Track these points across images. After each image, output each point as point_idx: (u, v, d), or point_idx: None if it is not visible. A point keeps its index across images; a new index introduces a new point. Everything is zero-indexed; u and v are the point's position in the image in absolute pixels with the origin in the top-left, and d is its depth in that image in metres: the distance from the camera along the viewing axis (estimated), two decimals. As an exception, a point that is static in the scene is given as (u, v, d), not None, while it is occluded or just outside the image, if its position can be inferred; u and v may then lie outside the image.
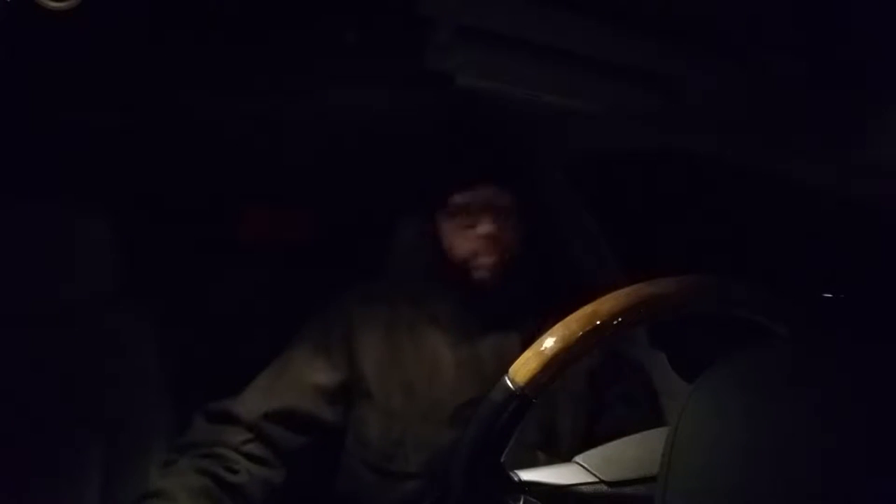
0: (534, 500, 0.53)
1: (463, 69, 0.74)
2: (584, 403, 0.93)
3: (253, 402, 0.91)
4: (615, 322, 0.55)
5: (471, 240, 0.95)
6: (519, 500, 0.55)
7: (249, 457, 0.85)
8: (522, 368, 0.55)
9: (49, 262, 1.03)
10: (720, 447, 0.39)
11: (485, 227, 0.93)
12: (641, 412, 0.94)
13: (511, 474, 0.57)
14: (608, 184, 1.22)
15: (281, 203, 1.60)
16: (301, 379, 0.93)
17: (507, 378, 0.56)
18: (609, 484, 0.58)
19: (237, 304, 1.58)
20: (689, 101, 0.77)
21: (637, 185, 1.25)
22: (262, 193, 1.57)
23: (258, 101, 1.02)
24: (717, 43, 0.65)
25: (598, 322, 0.55)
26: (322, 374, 0.93)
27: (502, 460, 0.56)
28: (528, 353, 0.56)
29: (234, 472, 0.82)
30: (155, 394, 1.02)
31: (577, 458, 0.61)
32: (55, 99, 0.98)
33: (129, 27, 0.76)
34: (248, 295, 1.60)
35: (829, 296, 0.97)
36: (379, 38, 0.79)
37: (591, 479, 0.58)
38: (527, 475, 0.57)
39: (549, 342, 0.55)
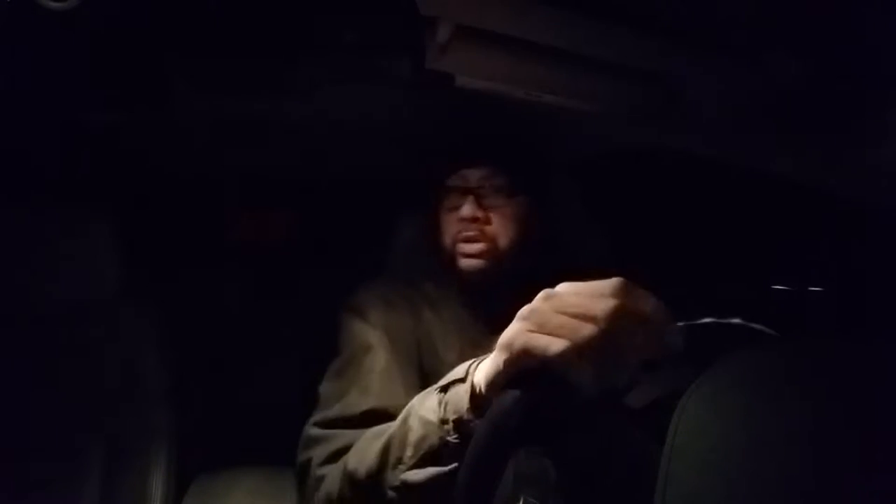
0: (533, 501, 0.53)
1: (463, 69, 0.74)
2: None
3: (395, 391, 0.79)
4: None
5: (454, 223, 0.92)
6: (518, 501, 0.55)
7: None
8: None
9: (50, 262, 1.03)
10: (720, 447, 0.39)
11: (466, 209, 0.90)
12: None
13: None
14: (607, 184, 1.22)
15: (280, 203, 1.61)
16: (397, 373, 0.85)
17: None
18: None
19: (238, 304, 1.58)
20: (689, 101, 0.76)
21: (636, 185, 1.25)
22: (262, 194, 1.57)
23: (257, 100, 1.02)
24: (717, 43, 0.65)
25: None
26: (406, 366, 0.87)
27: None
28: None
29: None
30: (155, 394, 1.02)
31: None
32: (55, 99, 0.98)
33: (129, 27, 0.77)
34: (249, 295, 1.60)
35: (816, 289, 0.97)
36: (379, 38, 0.79)
37: None
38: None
39: None
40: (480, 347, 0.90)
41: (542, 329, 0.45)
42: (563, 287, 0.47)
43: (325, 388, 0.86)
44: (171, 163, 1.38)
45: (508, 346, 0.47)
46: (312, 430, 0.79)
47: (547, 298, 0.47)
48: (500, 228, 0.92)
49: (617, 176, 1.22)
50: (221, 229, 1.59)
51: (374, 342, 0.87)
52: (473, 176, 0.93)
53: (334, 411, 0.79)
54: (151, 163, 1.36)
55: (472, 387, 0.53)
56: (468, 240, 0.91)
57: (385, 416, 0.73)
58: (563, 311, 0.45)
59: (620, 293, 0.44)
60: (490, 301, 0.94)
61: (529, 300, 0.49)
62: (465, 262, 0.92)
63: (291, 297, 1.60)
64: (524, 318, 0.47)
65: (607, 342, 0.43)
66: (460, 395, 0.54)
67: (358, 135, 1.22)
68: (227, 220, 1.59)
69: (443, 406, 0.56)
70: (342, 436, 0.74)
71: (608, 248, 1.21)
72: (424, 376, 0.88)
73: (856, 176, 0.69)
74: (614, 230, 1.21)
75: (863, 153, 0.65)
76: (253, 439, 1.30)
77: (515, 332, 0.47)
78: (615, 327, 0.43)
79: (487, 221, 0.92)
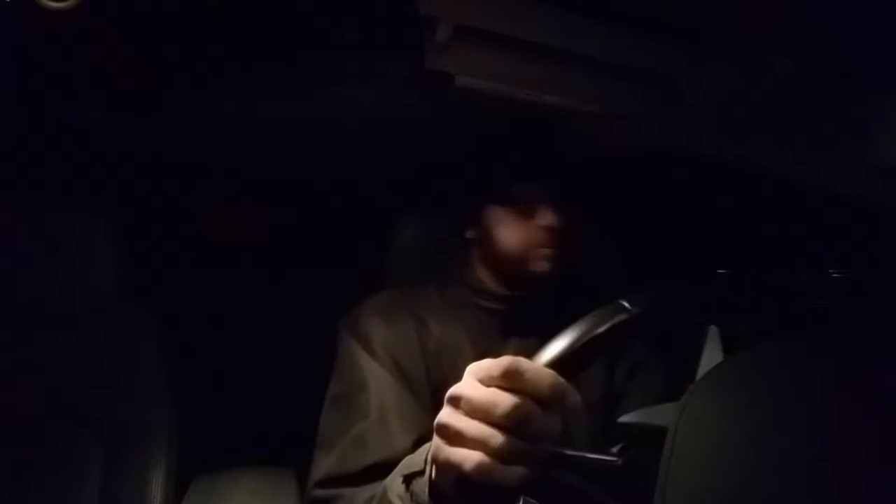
0: (532, 501, 0.53)
1: (463, 69, 0.74)
2: (599, 411, 0.91)
3: (389, 442, 0.79)
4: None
5: (529, 231, 0.91)
6: (518, 501, 0.55)
7: None
8: None
9: (49, 263, 1.03)
10: (722, 445, 0.39)
11: (551, 219, 0.90)
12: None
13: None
14: (608, 184, 1.22)
15: (279, 203, 1.61)
16: (407, 410, 0.84)
17: None
18: None
19: (238, 304, 1.58)
20: (689, 101, 0.77)
21: (637, 185, 1.25)
22: (261, 193, 1.57)
23: (257, 100, 1.02)
24: (717, 43, 0.65)
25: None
26: (409, 400, 0.85)
27: None
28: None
29: None
30: (155, 394, 1.02)
31: None
32: (55, 99, 0.98)
33: (128, 27, 0.77)
34: (249, 295, 1.60)
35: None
36: (379, 38, 0.79)
37: None
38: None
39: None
40: (495, 355, 0.89)
41: (455, 441, 0.46)
42: (465, 386, 0.47)
43: (323, 420, 0.86)
44: (171, 162, 1.38)
45: (434, 460, 0.49)
46: (315, 492, 0.81)
47: (452, 402, 0.47)
48: (568, 245, 0.93)
49: (617, 177, 1.22)
50: (220, 228, 1.59)
51: (370, 379, 0.85)
52: (549, 186, 0.94)
53: (331, 466, 0.80)
54: (150, 162, 1.36)
55: (431, 481, 0.53)
56: (544, 245, 0.91)
57: (382, 469, 0.74)
58: (471, 416, 0.45)
59: (517, 380, 0.44)
60: (523, 306, 0.94)
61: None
62: (540, 265, 0.92)
63: (292, 297, 1.60)
64: (438, 432, 0.48)
65: (520, 437, 0.44)
66: (421, 487, 0.55)
67: (357, 135, 1.22)
68: (225, 219, 1.60)
69: (409, 496, 0.57)
70: (341, 498, 0.77)
71: (613, 251, 1.21)
72: (437, 390, 0.87)
73: (856, 175, 0.69)
74: (615, 232, 1.21)
75: (863, 152, 0.65)
76: (253, 439, 1.30)
77: (435, 447, 0.48)
78: (522, 422, 0.44)
79: (563, 232, 0.92)
